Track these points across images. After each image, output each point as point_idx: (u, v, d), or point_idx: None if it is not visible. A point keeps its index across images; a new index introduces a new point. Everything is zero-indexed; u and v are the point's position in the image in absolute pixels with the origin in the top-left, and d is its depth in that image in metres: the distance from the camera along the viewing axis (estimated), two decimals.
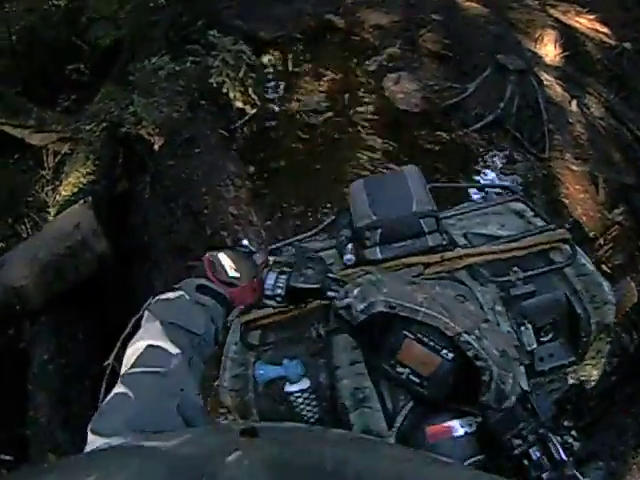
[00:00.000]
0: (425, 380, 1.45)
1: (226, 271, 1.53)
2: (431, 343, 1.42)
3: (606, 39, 9.52)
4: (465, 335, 1.39)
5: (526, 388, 1.51)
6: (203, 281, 1.48)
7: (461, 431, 1.45)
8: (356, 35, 8.00)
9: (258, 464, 0.68)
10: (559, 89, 7.75)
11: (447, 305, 1.44)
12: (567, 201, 6.26)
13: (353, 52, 7.54)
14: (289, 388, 1.70)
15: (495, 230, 2.09)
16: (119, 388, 1.13)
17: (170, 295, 1.39)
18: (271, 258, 1.67)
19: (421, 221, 1.90)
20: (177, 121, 5.92)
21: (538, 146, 6.57)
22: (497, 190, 4.26)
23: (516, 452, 1.36)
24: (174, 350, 1.22)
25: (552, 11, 10.01)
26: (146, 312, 1.34)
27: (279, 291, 1.59)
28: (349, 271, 1.92)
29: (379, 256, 1.91)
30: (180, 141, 6.10)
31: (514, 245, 1.90)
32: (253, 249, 1.66)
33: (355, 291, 1.48)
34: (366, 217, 1.93)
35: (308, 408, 1.68)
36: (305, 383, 1.71)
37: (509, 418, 1.39)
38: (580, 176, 6.53)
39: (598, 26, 9.94)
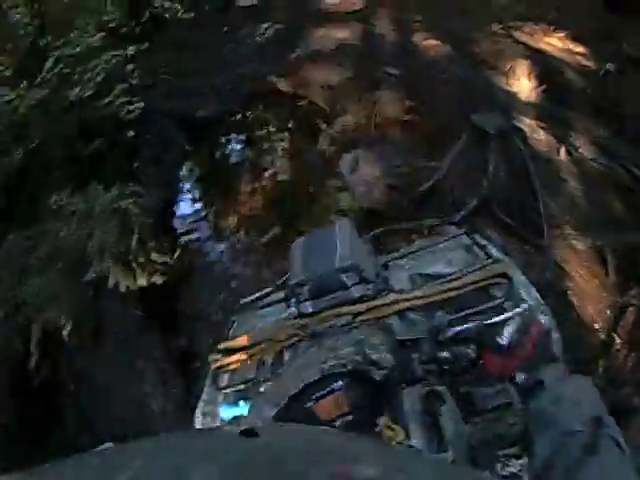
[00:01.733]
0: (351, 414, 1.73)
1: None
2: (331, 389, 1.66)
3: (584, 60, 8.16)
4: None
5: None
6: None
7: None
8: (302, 98, 6.58)
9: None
10: (543, 136, 6.40)
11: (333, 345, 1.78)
12: (574, 292, 4.89)
13: (300, 124, 6.11)
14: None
15: (442, 268, 2.12)
16: None
17: None
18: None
19: (342, 276, 1.97)
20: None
21: (533, 229, 5.13)
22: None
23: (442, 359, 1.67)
24: None
25: (518, 34, 8.68)
26: None
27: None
28: (289, 323, 2.11)
29: (310, 310, 2.03)
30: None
31: (446, 286, 1.92)
32: None
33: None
34: (297, 275, 2.07)
35: None
36: None
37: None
38: (585, 256, 5.16)
39: (571, 45, 8.58)
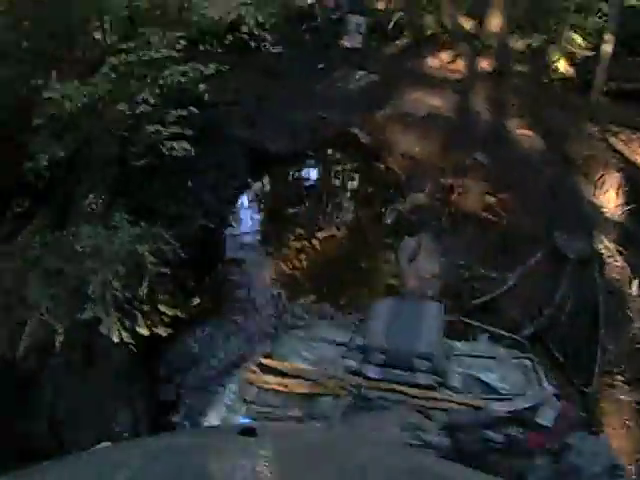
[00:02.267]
0: None
1: None
2: None
3: None
4: None
5: None
6: None
7: None
8: (380, 161, 6.29)
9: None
10: (620, 262, 5.89)
11: None
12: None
13: (373, 186, 5.81)
14: None
15: (494, 380, 2.18)
16: None
17: None
18: None
19: (418, 361, 2.04)
20: None
21: (584, 373, 4.63)
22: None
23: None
24: None
25: (614, 140, 8.22)
26: None
27: None
28: (346, 375, 2.16)
29: (377, 376, 2.11)
30: None
31: (495, 406, 1.96)
32: None
33: None
34: (378, 340, 2.15)
35: None
36: None
37: None
38: (627, 410, 4.63)
39: None
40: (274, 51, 10.49)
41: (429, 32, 10.20)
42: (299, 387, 2.18)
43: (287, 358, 2.36)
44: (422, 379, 2.11)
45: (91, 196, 5.19)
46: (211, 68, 5.39)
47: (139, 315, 4.43)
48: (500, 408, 1.99)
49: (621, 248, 6.26)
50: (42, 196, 5.34)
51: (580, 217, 6.15)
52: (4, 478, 0.78)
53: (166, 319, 4.58)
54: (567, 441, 1.65)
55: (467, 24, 10.43)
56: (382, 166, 6.25)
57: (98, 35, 6.10)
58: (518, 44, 10.05)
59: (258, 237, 6.04)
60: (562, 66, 9.63)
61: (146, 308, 4.49)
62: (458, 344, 2.54)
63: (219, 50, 6.40)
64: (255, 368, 2.32)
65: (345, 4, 11.15)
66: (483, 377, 2.23)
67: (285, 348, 2.49)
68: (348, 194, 5.93)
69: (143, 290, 4.36)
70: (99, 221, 4.73)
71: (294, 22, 12.32)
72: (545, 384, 2.22)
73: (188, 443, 0.85)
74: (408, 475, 0.81)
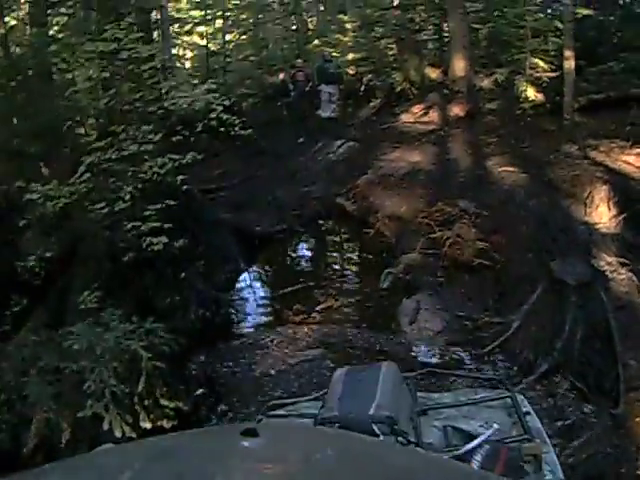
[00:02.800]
0: None
1: None
2: None
3: None
4: None
5: None
6: None
7: None
8: (369, 225, 6.41)
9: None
10: (624, 274, 5.83)
11: None
12: None
13: (365, 253, 5.89)
14: None
15: (477, 427, 2.04)
16: None
17: None
18: None
19: (374, 425, 1.89)
20: None
21: (610, 395, 4.54)
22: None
23: None
24: None
25: (594, 154, 8.29)
26: None
27: None
28: None
29: None
30: None
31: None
32: None
33: None
34: (331, 410, 2.00)
35: None
36: None
37: None
38: None
39: None
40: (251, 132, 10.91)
41: (398, 89, 10.57)
42: None
43: None
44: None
45: (85, 293, 5.24)
46: (188, 157, 5.60)
47: (141, 409, 4.42)
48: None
49: (623, 259, 6.21)
50: (38, 293, 5.54)
51: (573, 241, 6.15)
52: (4, 478, 0.78)
53: (169, 411, 4.53)
54: None
55: (433, 74, 10.80)
56: (371, 231, 6.34)
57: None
58: (484, 82, 10.34)
59: (256, 319, 6.08)
60: (531, 93, 9.83)
61: (147, 402, 4.47)
62: (435, 396, 2.40)
63: (193, 139, 6.56)
64: None
65: (316, 75, 11.55)
66: (464, 426, 2.11)
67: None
68: (342, 264, 5.99)
69: (141, 385, 4.39)
70: (93, 318, 4.80)
71: (269, 100, 12.88)
72: (532, 420, 2.10)
73: (190, 444, 0.85)
74: (408, 474, 0.80)
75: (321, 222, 6.72)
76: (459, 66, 10.32)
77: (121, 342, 4.44)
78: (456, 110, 9.52)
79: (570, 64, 9.12)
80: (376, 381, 2.07)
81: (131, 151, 5.59)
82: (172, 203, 5.48)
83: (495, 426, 1.93)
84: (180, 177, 5.78)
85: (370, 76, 12.02)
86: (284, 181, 8.03)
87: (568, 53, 9.19)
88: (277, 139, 10.24)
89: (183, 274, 5.71)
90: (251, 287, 6.44)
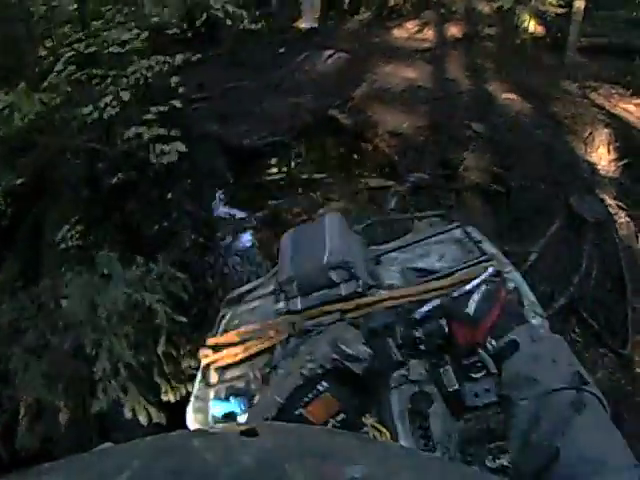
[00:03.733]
0: (344, 412, 1.54)
1: None
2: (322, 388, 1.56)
3: None
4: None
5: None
6: None
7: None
8: (367, 141, 5.68)
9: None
10: (623, 219, 5.46)
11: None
12: None
13: (363, 169, 5.19)
14: (241, 420, 1.76)
15: (433, 262, 2.01)
16: None
17: None
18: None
19: (331, 272, 1.85)
20: None
21: (618, 335, 4.21)
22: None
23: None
24: None
25: (594, 96, 7.79)
26: None
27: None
28: (279, 319, 1.95)
29: (299, 307, 1.92)
30: None
31: (435, 284, 1.82)
32: None
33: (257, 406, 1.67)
34: (285, 272, 1.94)
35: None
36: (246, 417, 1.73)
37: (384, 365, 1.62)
38: None
39: None
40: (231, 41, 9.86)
41: (392, 3, 9.60)
42: (250, 349, 2.02)
43: (236, 328, 2.17)
44: (344, 289, 1.89)
45: (65, 228, 4.24)
46: (178, 59, 4.61)
47: (162, 380, 3.51)
48: (437, 285, 1.83)
49: (621, 204, 5.83)
50: (6, 237, 4.53)
51: (585, 178, 5.66)
52: (4, 478, 0.71)
53: (192, 370, 3.53)
54: (512, 338, 1.31)
55: None
56: (370, 147, 5.61)
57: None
58: (484, 6, 9.54)
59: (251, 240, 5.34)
60: (532, 25, 9.11)
61: (167, 369, 3.54)
62: (386, 245, 2.27)
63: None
64: (208, 351, 2.13)
65: None
66: (420, 265, 2.04)
67: (231, 322, 2.29)
68: (339, 181, 5.27)
69: (161, 348, 3.44)
70: (79, 262, 3.77)
71: (248, 9, 11.67)
72: (486, 246, 2.01)
73: (189, 443, 0.76)
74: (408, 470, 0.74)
75: (314, 135, 5.87)
76: None
77: (130, 296, 3.36)
78: (453, 31, 8.73)
79: (580, 3, 8.49)
80: (323, 232, 1.96)
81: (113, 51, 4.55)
82: (163, 109, 4.50)
83: (490, 270, 1.74)
84: (174, 79, 4.82)
85: None
86: (270, 92, 7.13)
87: None
88: (256, 50, 9.23)
89: (169, 195, 4.83)
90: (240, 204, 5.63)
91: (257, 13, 10.97)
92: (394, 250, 2.17)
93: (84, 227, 4.23)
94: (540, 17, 9.23)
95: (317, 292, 1.91)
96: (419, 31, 8.83)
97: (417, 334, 1.64)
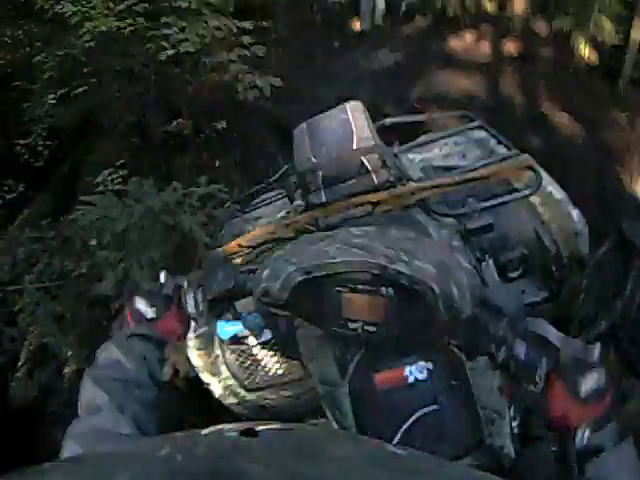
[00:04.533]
0: (380, 326, 1.19)
1: (144, 313, 1.49)
2: (366, 287, 1.17)
3: None
4: (391, 266, 1.13)
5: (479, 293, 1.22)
6: (131, 329, 1.45)
7: (411, 378, 1.19)
8: None
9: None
10: None
11: (363, 243, 1.22)
12: None
13: None
14: (252, 342, 1.52)
15: (457, 161, 1.81)
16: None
17: (100, 350, 1.39)
18: (184, 278, 1.57)
19: (363, 159, 1.56)
20: None
21: None
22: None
23: (500, 359, 1.18)
24: (101, 400, 1.25)
25: None
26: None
27: (201, 307, 1.50)
28: (298, 217, 1.64)
29: (323, 199, 1.60)
30: None
31: (470, 175, 1.55)
32: (162, 281, 1.58)
33: (265, 273, 1.25)
34: (306, 161, 1.62)
35: (273, 360, 1.50)
36: (266, 335, 1.50)
37: (476, 326, 1.19)
38: None
39: None
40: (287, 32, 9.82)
41: (450, 13, 9.51)
42: (266, 233, 1.69)
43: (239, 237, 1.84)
44: (377, 178, 1.59)
45: (106, 172, 3.99)
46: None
47: None
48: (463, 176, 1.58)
49: None
50: (40, 177, 4.45)
51: (625, 206, 5.54)
52: (4, 478, 0.67)
53: None
54: (601, 441, 1.19)
55: (489, 5, 9.74)
56: None
57: None
58: (542, 28, 9.41)
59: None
60: (586, 53, 8.97)
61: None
62: (401, 146, 1.98)
63: None
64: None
65: None
66: (442, 163, 1.86)
67: (231, 233, 1.99)
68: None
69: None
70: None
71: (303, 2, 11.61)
72: (506, 145, 1.81)
73: (189, 444, 0.76)
74: (408, 475, 0.70)
75: None
76: (519, 4, 9.33)
77: (160, 218, 2.99)
78: (509, 48, 8.59)
79: (638, 34, 8.34)
80: (347, 118, 1.68)
81: None
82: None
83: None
84: None
85: None
86: (324, 83, 7.08)
87: (638, 21, 8.40)
88: (312, 44, 9.20)
89: (218, 162, 4.73)
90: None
91: (313, 8, 10.98)
92: (409, 149, 1.95)
93: (127, 172, 3.92)
94: (596, 45, 9.11)
95: (346, 182, 1.63)
96: (476, 44, 8.72)
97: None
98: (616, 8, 8.93)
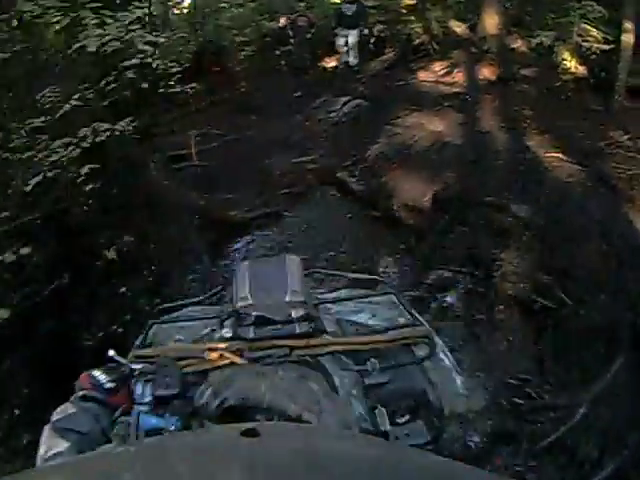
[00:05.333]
0: None
1: (102, 384, 1.65)
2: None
3: None
4: (306, 414, 1.46)
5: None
6: (88, 392, 1.62)
7: None
8: (381, 211, 4.60)
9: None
10: None
11: (288, 388, 1.56)
12: None
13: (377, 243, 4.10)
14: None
15: (366, 319, 2.07)
16: None
17: (59, 408, 1.54)
18: (137, 367, 1.75)
19: (291, 310, 1.89)
20: None
21: None
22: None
23: None
24: (62, 447, 1.40)
25: None
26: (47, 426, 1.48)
27: (148, 399, 1.69)
28: (224, 345, 1.87)
29: (251, 335, 1.89)
30: None
31: (378, 337, 1.87)
32: (122, 361, 1.74)
33: (209, 391, 1.58)
34: (245, 299, 1.91)
35: (178, 415, 1.66)
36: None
37: None
38: None
39: None
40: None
41: (416, 42, 8.48)
42: (184, 369, 1.81)
43: (162, 343, 2.00)
44: (299, 328, 1.87)
45: None
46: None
47: None
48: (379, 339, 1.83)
49: None
50: None
51: None
52: (4, 478, 0.70)
53: None
54: None
55: (458, 28, 8.67)
56: (381, 218, 4.50)
57: None
58: (519, 44, 8.31)
59: None
60: (573, 65, 7.86)
61: None
62: (322, 293, 2.22)
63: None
64: (133, 361, 1.85)
65: (333, 19, 9.36)
66: (354, 318, 2.02)
67: (158, 335, 2.09)
68: (341, 259, 4.19)
69: None
70: None
71: (266, 49, 10.74)
72: (412, 314, 1.97)
73: (190, 445, 0.77)
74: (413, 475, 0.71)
75: (316, 204, 4.77)
76: (490, 22, 8.26)
77: None
78: (485, 72, 7.53)
79: (629, 38, 7.22)
80: (284, 270, 1.98)
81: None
82: None
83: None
84: None
85: (381, 26, 9.87)
86: (274, 146, 6.06)
87: (628, 25, 7.28)
88: (273, 93, 8.26)
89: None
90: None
91: (276, 52, 10.08)
92: (329, 302, 2.15)
93: None
94: (582, 55, 7.99)
95: (272, 325, 1.90)
96: (447, 73, 7.65)
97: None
98: (599, 13, 7.83)
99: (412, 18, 9.08)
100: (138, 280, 3.78)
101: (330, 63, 9.88)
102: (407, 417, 1.68)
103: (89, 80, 4.05)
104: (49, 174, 3.48)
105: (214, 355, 1.82)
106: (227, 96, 8.46)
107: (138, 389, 1.70)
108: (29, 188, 3.48)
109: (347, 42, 8.95)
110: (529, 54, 8.18)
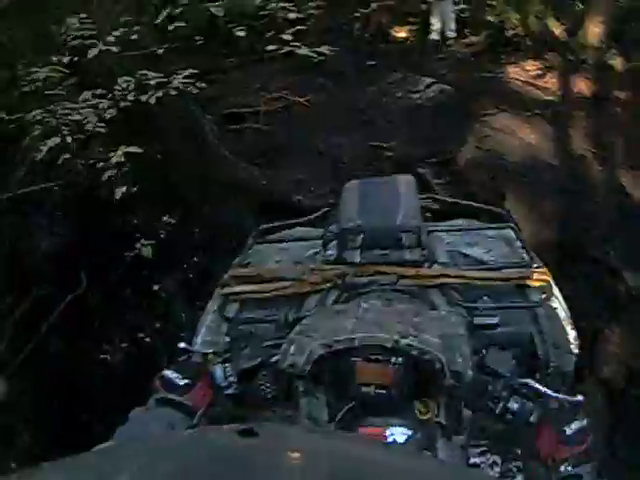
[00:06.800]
0: (390, 389, 1.35)
1: (175, 381, 1.52)
2: (378, 357, 1.34)
3: None
4: (402, 340, 1.32)
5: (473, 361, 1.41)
6: (162, 394, 1.50)
7: (390, 439, 1.35)
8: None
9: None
10: None
11: (376, 318, 1.42)
12: None
13: None
14: None
15: (480, 253, 1.90)
16: None
17: (134, 413, 1.43)
18: (210, 351, 1.64)
19: (402, 235, 1.73)
20: None
21: None
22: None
23: (498, 411, 1.38)
24: None
25: None
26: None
27: (232, 379, 1.58)
28: (326, 267, 1.77)
29: (357, 260, 1.75)
30: None
31: (492, 274, 1.73)
32: (191, 349, 1.64)
33: (292, 348, 1.43)
34: (352, 220, 1.77)
35: (267, 385, 1.57)
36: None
37: (477, 387, 1.39)
38: None
39: None
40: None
41: (510, 33, 7.57)
42: (280, 290, 1.74)
43: (262, 264, 1.90)
44: (409, 255, 1.70)
45: None
46: None
47: None
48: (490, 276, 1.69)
49: None
50: None
51: None
52: (4, 478, 0.72)
53: None
54: (579, 472, 1.28)
55: (557, 29, 7.74)
56: None
57: None
58: (617, 62, 7.43)
59: None
60: None
61: None
62: (435, 223, 2.02)
63: None
64: (230, 281, 1.80)
65: None
66: (468, 251, 1.85)
67: (258, 255, 1.97)
68: None
69: None
70: None
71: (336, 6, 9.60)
72: (529, 252, 1.80)
73: (189, 443, 0.74)
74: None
75: None
76: (593, 31, 7.36)
77: None
78: (580, 86, 6.69)
79: None
80: (396, 190, 1.82)
81: None
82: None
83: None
84: None
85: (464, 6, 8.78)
86: (348, 119, 5.31)
87: None
88: (344, 55, 7.31)
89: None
90: None
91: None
92: (443, 231, 1.94)
93: None
94: None
95: (381, 250, 1.72)
96: (539, 76, 6.80)
97: (508, 405, 1.42)
98: None
99: (507, 7, 8.11)
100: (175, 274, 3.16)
101: (399, 33, 8.80)
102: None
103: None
104: (68, 138, 2.74)
105: (315, 278, 1.69)
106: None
107: (218, 372, 1.58)
108: (41, 155, 2.76)
109: (441, 12, 7.92)
110: (623, 74, 7.34)
